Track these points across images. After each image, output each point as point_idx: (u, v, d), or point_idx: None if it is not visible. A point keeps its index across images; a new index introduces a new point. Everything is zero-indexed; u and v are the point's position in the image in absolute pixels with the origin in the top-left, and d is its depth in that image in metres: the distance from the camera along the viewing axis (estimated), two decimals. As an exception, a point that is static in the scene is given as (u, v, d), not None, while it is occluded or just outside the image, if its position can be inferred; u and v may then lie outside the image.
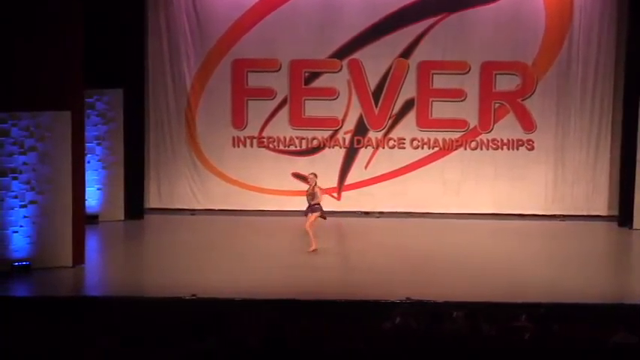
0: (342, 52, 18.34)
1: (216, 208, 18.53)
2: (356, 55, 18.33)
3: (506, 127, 18.42)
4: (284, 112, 18.51)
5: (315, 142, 18.59)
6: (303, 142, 18.58)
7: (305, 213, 15.69)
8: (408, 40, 18.26)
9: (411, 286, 13.29)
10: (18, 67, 13.93)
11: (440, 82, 18.36)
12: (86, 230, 15.20)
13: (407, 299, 12.55)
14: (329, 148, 18.60)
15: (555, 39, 18.17)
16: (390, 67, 18.36)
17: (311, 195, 15.57)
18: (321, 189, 15.70)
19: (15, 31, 13.92)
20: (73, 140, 14.39)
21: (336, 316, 11.54)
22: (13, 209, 14.18)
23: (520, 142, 18.45)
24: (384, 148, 18.59)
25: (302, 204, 15.93)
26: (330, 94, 18.42)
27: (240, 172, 18.57)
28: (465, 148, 18.51)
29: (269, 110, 18.49)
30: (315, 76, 18.45)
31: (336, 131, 18.57)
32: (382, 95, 18.44)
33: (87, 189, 15.70)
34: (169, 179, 18.61)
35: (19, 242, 14.24)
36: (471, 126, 18.46)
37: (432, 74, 18.35)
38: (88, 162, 16.72)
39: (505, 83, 18.33)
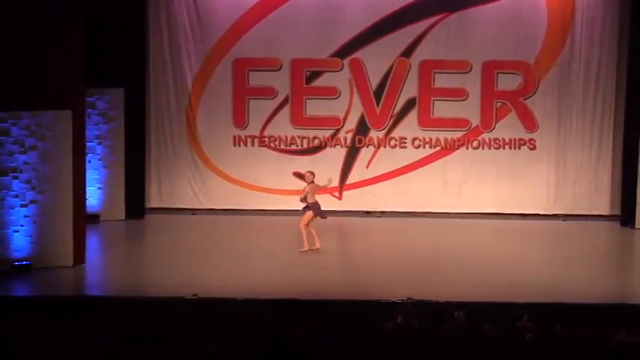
0: (344, 51, 18.31)
1: (218, 207, 18.50)
2: (357, 54, 18.30)
3: (508, 127, 18.40)
4: (285, 111, 18.48)
5: (316, 142, 18.57)
6: (305, 141, 18.56)
7: (302, 212, 15.65)
8: (410, 39, 18.23)
9: (413, 286, 13.26)
10: (18, 67, 13.90)
11: (441, 81, 18.33)
12: (87, 230, 15.18)
13: (408, 299, 12.52)
14: (330, 147, 18.58)
15: (557, 38, 18.14)
16: (391, 67, 18.33)
17: (304, 196, 15.52)
18: (318, 187, 15.56)
19: (15, 30, 13.89)
20: (73, 139, 14.36)
21: (337, 316, 11.49)
22: (13, 208, 14.15)
23: (522, 142, 18.42)
24: (385, 147, 18.56)
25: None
26: (332, 93, 18.40)
27: (242, 172, 18.55)
28: (467, 148, 18.49)
29: (270, 109, 18.47)
30: (316, 75, 18.42)
31: (337, 130, 18.54)
32: (384, 94, 18.41)
33: (88, 188, 15.69)
34: (170, 179, 18.59)
35: (20, 242, 14.21)
36: (473, 125, 18.43)
37: (434, 73, 18.32)
38: (89, 161, 16.70)
39: (507, 82, 18.30)
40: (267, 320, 10.37)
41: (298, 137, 18.56)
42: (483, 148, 18.49)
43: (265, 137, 18.54)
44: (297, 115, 18.50)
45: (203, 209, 18.51)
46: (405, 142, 18.54)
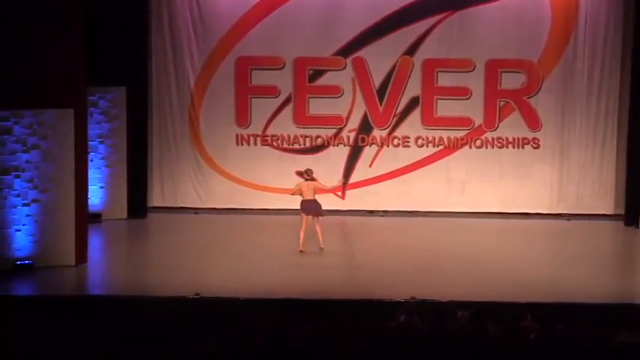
0: (347, 50, 18.27)
1: (220, 206, 18.48)
2: (360, 53, 18.26)
3: (512, 126, 18.36)
4: (288, 110, 18.45)
5: (319, 141, 18.53)
6: (307, 140, 18.52)
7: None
8: (413, 38, 18.19)
9: (416, 286, 13.23)
10: (20, 65, 13.88)
11: (445, 80, 18.29)
12: (89, 229, 15.16)
13: (411, 299, 12.48)
14: (333, 146, 18.55)
15: (561, 36, 18.10)
16: (394, 65, 18.29)
17: (292, 192, 15.49)
18: (314, 185, 15.40)
19: (16, 29, 13.88)
20: (75, 138, 14.34)
21: (340, 316, 11.48)
22: (15, 208, 14.12)
23: (525, 141, 18.38)
24: (388, 146, 18.53)
25: (306, 203, 15.88)
26: (335, 92, 18.36)
27: (244, 171, 18.52)
28: (470, 147, 18.45)
29: (273, 108, 18.44)
30: (319, 73, 18.39)
31: (340, 129, 18.51)
32: (387, 93, 18.38)
33: (90, 187, 15.67)
34: (173, 178, 18.56)
35: (22, 241, 14.19)
36: (476, 124, 18.39)
37: (437, 72, 18.28)
38: (91, 160, 16.67)
39: (510, 81, 18.26)
40: (270, 320, 10.35)
41: (301, 136, 18.52)
42: (487, 147, 18.45)
43: (268, 136, 18.51)
44: (299, 113, 18.46)
45: (205, 208, 18.48)
46: (408, 141, 18.50)
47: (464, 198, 18.50)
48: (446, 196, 18.49)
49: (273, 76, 18.34)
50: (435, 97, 18.36)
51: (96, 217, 17.07)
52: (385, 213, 18.48)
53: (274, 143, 18.52)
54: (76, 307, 12.33)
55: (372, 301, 12.63)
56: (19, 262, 14.10)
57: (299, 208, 15.44)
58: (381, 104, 18.43)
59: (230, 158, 18.55)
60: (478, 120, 18.39)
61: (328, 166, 17.96)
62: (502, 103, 18.35)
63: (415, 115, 18.42)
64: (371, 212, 18.54)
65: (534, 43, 18.13)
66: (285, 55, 18.30)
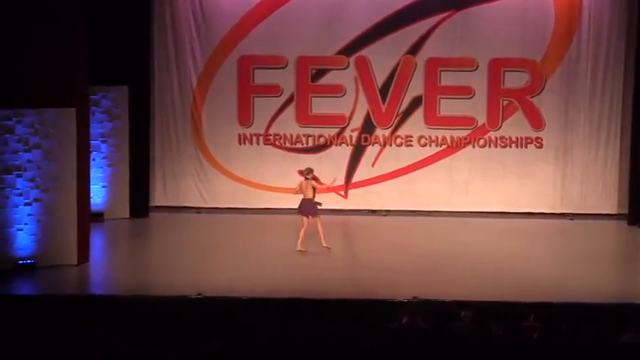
0: (349, 49, 18.25)
1: (222, 206, 18.46)
2: (363, 52, 18.24)
3: (515, 125, 18.33)
4: (290, 109, 18.43)
5: (321, 140, 18.51)
6: (310, 139, 18.50)
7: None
8: (416, 37, 18.17)
9: (419, 285, 13.21)
10: (22, 65, 13.87)
11: (448, 79, 18.26)
12: (91, 228, 15.15)
13: (414, 298, 12.46)
14: (336, 145, 18.52)
15: (564, 36, 18.07)
16: (397, 64, 18.27)
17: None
18: (314, 184, 15.38)
19: (18, 29, 13.86)
20: (78, 137, 14.33)
21: (342, 316, 11.44)
22: (17, 207, 14.12)
23: (529, 140, 18.35)
24: (391, 145, 18.50)
25: (308, 202, 15.86)
26: (337, 91, 18.34)
27: (247, 170, 18.51)
28: (473, 146, 18.42)
29: (275, 107, 18.42)
30: (321, 73, 18.37)
31: (343, 129, 18.49)
32: (389, 92, 18.35)
33: (92, 187, 15.66)
34: (175, 177, 18.55)
35: (24, 240, 14.18)
36: (479, 123, 18.37)
37: (440, 71, 18.26)
38: (93, 159, 16.65)
39: (514, 80, 18.23)
40: (272, 320, 10.32)
41: (304, 135, 18.50)
42: (490, 146, 18.42)
43: (270, 135, 18.49)
44: (302, 113, 18.44)
45: (208, 208, 18.47)
46: (411, 141, 18.48)
47: (467, 197, 18.47)
48: (449, 196, 18.47)
49: (275, 75, 18.32)
50: (438, 97, 18.34)
51: (98, 217, 17.06)
52: (388, 212, 18.45)
53: (277, 142, 18.50)
54: (78, 307, 12.31)
55: (375, 301, 12.60)
56: (21, 262, 14.09)
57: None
58: (383, 103, 18.40)
59: (232, 157, 18.54)
60: (481, 119, 18.36)
61: (331, 165, 17.94)
62: (505, 102, 18.33)
63: (418, 114, 18.40)
64: (373, 212, 18.52)
65: (538, 43, 18.10)
66: (287, 54, 18.27)
